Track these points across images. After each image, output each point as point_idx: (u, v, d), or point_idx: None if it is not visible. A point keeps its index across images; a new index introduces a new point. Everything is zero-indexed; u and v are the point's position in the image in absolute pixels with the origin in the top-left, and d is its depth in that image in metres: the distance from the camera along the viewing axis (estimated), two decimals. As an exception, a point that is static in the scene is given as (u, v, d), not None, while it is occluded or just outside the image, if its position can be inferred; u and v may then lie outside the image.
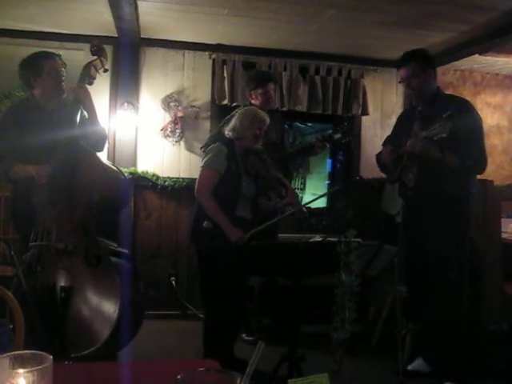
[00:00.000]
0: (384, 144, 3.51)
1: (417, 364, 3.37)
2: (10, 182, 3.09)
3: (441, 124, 2.83)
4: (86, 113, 3.07)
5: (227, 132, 3.21)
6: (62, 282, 2.66)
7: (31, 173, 2.86)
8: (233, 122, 3.22)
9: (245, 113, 3.25)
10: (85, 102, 3.00)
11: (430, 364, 3.32)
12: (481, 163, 3.13)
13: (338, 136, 3.98)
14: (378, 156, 3.47)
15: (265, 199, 3.39)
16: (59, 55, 3.88)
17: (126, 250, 2.98)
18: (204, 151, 3.56)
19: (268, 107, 3.76)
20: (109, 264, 2.79)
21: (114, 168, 3.11)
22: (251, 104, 3.81)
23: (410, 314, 3.48)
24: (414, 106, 3.44)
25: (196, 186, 3.13)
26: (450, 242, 3.11)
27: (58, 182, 2.79)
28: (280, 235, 3.94)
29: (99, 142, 3.16)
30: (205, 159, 3.17)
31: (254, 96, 3.83)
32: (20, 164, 2.97)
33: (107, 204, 2.92)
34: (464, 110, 3.06)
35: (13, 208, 3.25)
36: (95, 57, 3.07)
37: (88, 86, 3.05)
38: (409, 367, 3.35)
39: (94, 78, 3.06)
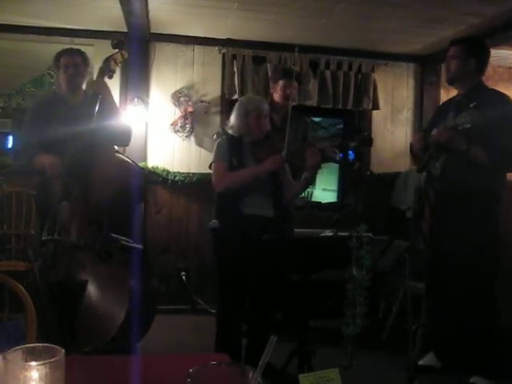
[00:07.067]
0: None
1: (428, 359, 3.36)
2: (35, 172, 3.08)
3: (467, 114, 2.77)
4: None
5: (229, 129, 3.07)
6: (75, 277, 2.67)
7: (45, 163, 2.87)
8: (231, 118, 3.08)
9: (238, 105, 3.08)
10: (103, 94, 3.00)
11: (441, 359, 3.31)
12: (510, 160, 2.98)
13: (353, 144, 3.96)
14: (411, 145, 3.43)
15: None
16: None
17: (139, 246, 2.98)
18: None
19: (284, 103, 3.63)
20: (122, 259, 2.80)
21: (130, 161, 3.06)
22: (272, 97, 3.80)
23: (423, 310, 3.46)
24: (453, 97, 3.34)
25: (213, 182, 2.97)
26: (475, 239, 3.00)
27: (73, 176, 2.79)
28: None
29: (123, 135, 3.17)
30: (212, 157, 3.05)
31: (273, 89, 3.86)
32: (42, 154, 2.96)
33: (122, 199, 2.91)
34: (498, 102, 2.94)
35: (35, 202, 3.27)
36: (116, 50, 3.09)
37: None
38: (420, 362, 3.33)
39: (114, 72, 3.10)
